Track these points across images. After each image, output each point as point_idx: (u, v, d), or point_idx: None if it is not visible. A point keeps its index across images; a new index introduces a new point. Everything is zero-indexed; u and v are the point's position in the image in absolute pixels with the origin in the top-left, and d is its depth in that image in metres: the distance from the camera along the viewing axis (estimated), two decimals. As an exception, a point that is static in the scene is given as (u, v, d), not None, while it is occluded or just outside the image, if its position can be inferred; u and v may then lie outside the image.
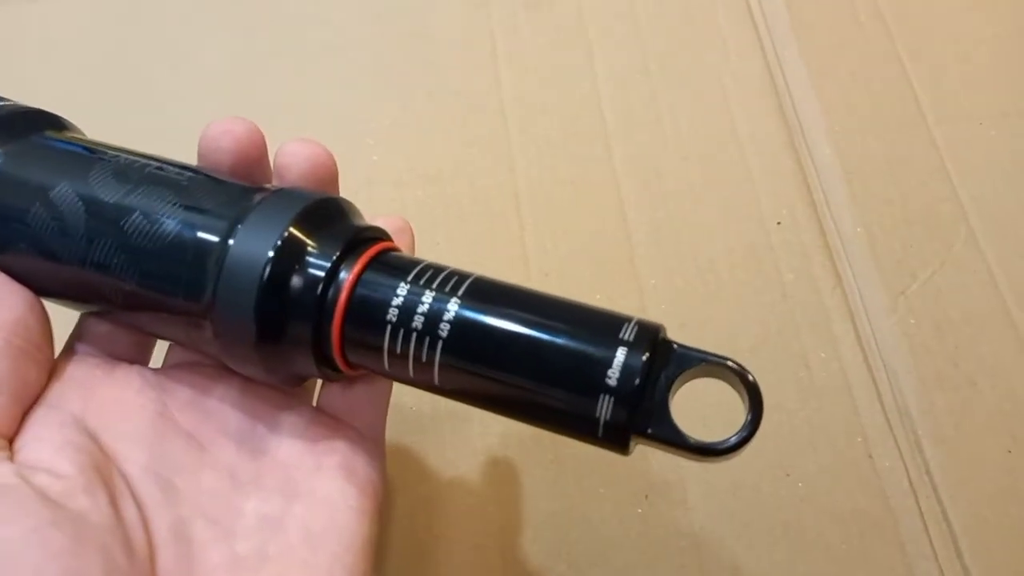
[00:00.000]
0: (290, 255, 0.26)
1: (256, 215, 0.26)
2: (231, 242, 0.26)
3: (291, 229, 0.26)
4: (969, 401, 0.41)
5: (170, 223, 0.27)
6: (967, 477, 0.40)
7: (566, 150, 0.48)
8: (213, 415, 0.30)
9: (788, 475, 0.40)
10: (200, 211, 0.27)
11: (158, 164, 0.29)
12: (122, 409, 0.29)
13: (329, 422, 0.31)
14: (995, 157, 0.47)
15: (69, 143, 0.30)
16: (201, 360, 0.32)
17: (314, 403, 0.33)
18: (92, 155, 0.29)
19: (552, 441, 0.41)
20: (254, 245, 0.26)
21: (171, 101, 0.51)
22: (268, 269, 0.26)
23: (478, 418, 0.41)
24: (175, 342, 0.32)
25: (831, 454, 0.41)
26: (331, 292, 0.26)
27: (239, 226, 0.26)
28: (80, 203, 0.27)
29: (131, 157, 0.29)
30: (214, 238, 0.26)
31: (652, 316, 0.44)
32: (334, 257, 0.26)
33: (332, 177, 0.31)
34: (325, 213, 0.28)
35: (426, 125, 0.49)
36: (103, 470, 0.26)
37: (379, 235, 0.29)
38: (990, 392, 0.41)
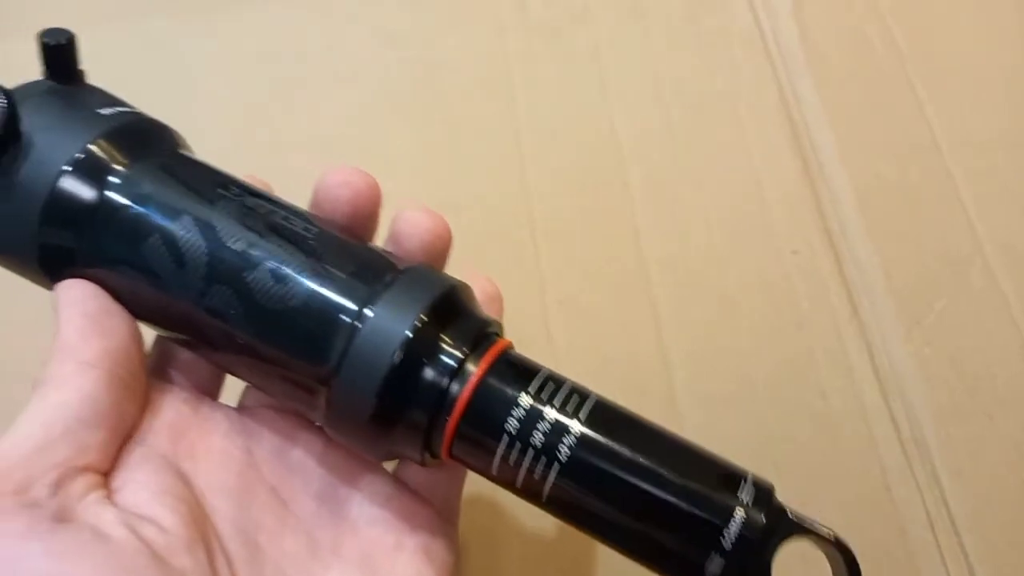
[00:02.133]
0: (421, 343, 0.26)
1: (391, 295, 0.26)
2: (364, 318, 0.26)
3: (424, 316, 0.26)
4: (986, 432, 0.41)
5: (299, 287, 0.26)
6: (984, 509, 0.40)
7: (581, 179, 0.48)
8: (296, 469, 0.30)
9: (804, 507, 0.40)
10: (331, 279, 0.27)
11: (283, 212, 0.28)
12: (211, 455, 0.28)
13: (410, 498, 0.30)
14: (1010, 186, 0.47)
15: (192, 168, 0.30)
16: (284, 404, 0.31)
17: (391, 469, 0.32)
18: (215, 188, 0.28)
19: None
20: (388, 326, 0.26)
21: (185, 132, 0.51)
22: (400, 353, 0.25)
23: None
24: (266, 391, 0.31)
25: (847, 486, 0.41)
26: (454, 387, 0.26)
27: (372, 304, 0.26)
28: (203, 244, 0.27)
29: (254, 198, 0.29)
30: (346, 312, 0.26)
31: (666, 344, 0.46)
32: (463, 352, 0.27)
33: (447, 249, 0.31)
34: (454, 302, 0.28)
35: (442, 153, 0.50)
36: (200, 525, 0.26)
37: (498, 329, 0.29)
38: (1006, 423, 0.41)
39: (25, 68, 0.30)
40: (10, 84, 0.28)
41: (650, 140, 0.49)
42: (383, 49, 0.53)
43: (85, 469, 0.25)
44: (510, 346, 0.28)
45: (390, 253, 0.29)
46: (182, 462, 0.27)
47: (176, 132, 0.31)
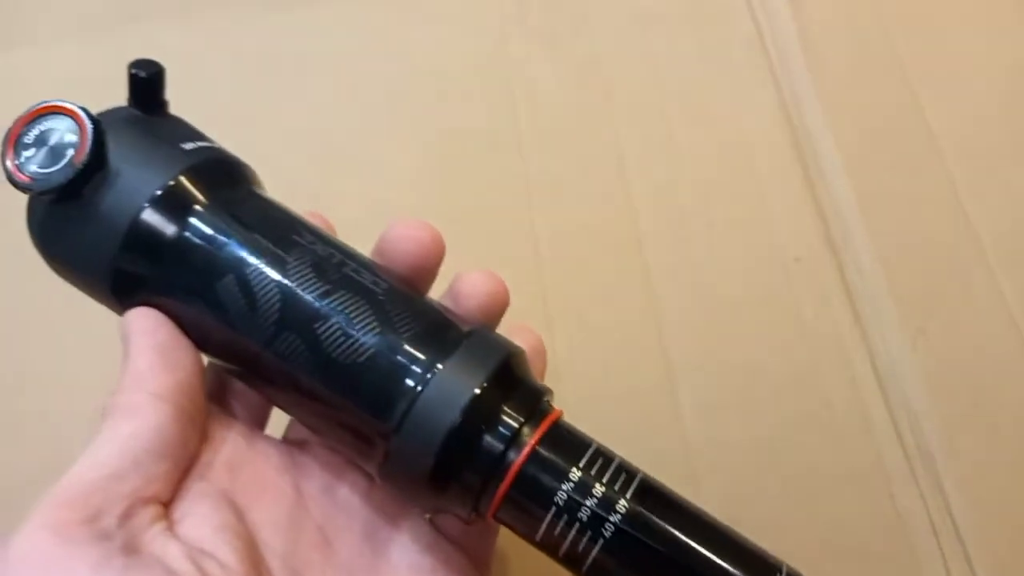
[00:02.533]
0: (481, 408, 0.27)
1: (455, 358, 0.27)
2: (428, 380, 0.27)
3: (485, 383, 0.27)
4: (990, 442, 0.41)
5: (367, 343, 0.27)
6: (989, 519, 0.40)
7: (584, 189, 0.48)
8: (342, 508, 0.30)
9: (809, 517, 0.40)
10: (399, 338, 0.27)
11: (353, 264, 0.29)
12: (264, 490, 0.29)
13: (449, 546, 0.31)
14: (1012, 193, 0.47)
15: (267, 209, 0.30)
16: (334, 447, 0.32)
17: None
18: (291, 233, 0.29)
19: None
20: (452, 389, 0.27)
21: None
22: (461, 417, 0.26)
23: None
24: (318, 434, 0.31)
25: (852, 495, 0.40)
26: (510, 454, 0.27)
27: (437, 366, 0.27)
28: (277, 291, 0.28)
29: (326, 246, 0.29)
30: (412, 373, 0.27)
31: (670, 356, 0.46)
32: (519, 420, 0.27)
33: (505, 309, 0.32)
34: (513, 369, 0.28)
35: (443, 164, 0.49)
36: (255, 561, 0.26)
37: (551, 397, 0.30)
38: (1011, 432, 0.41)
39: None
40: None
41: (652, 148, 0.49)
42: (384, 59, 0.53)
43: (150, 500, 0.25)
44: (561, 415, 0.29)
45: (452, 312, 0.30)
46: (238, 496, 0.28)
47: (251, 169, 0.32)
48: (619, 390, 0.43)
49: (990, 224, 0.46)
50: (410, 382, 0.27)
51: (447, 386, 0.27)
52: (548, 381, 0.42)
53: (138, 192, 0.28)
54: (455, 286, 0.31)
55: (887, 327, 0.44)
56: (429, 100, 0.51)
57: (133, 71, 0.29)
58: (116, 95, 0.30)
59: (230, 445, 0.29)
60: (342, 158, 0.50)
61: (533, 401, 0.28)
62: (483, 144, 0.50)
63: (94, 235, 0.28)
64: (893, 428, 0.42)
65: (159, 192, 0.28)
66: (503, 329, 0.31)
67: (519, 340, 0.30)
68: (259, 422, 0.32)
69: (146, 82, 0.29)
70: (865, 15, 0.52)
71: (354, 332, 0.27)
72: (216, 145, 0.31)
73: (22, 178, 0.27)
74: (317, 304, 0.27)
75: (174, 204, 0.28)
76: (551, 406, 0.29)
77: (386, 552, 0.30)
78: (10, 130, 0.28)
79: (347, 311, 0.28)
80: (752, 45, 0.52)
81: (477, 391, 0.26)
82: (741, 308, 0.45)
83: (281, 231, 0.29)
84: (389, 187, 0.49)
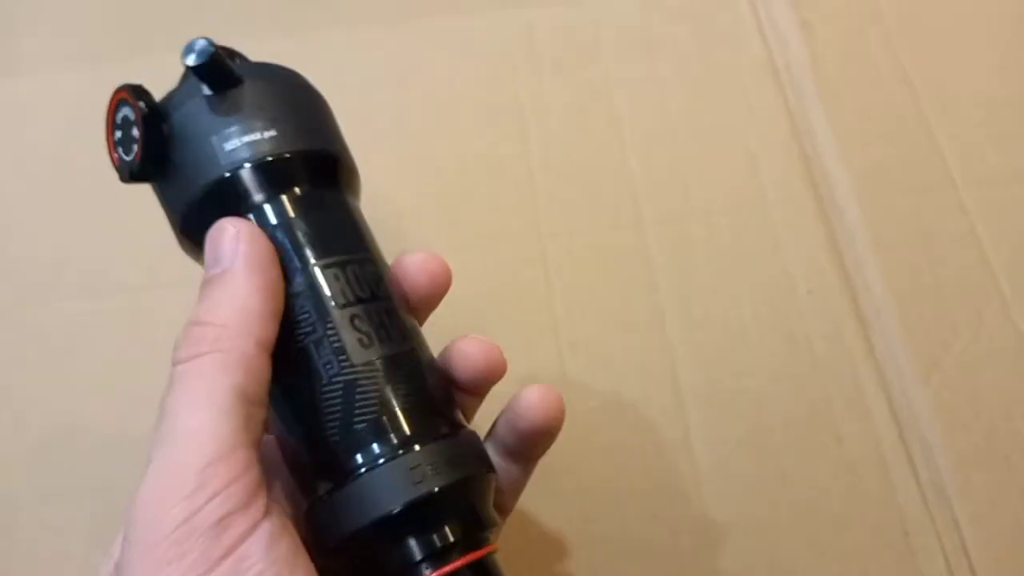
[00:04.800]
0: (421, 512, 0.27)
1: (430, 450, 0.27)
2: (397, 457, 0.27)
3: (438, 489, 0.27)
4: (1005, 477, 0.41)
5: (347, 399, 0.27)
6: (1004, 555, 0.39)
7: (594, 217, 0.48)
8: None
9: (822, 555, 0.40)
10: (385, 405, 0.28)
11: (357, 310, 0.29)
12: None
13: None
14: (1025, 222, 0.47)
15: (337, 220, 0.30)
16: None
17: None
18: (343, 263, 0.29)
19: None
20: (409, 478, 0.27)
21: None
22: (370, 526, 0.26)
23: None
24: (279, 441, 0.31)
25: (865, 532, 0.40)
26: (425, 568, 0.27)
27: (410, 448, 0.27)
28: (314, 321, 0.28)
29: (364, 304, 0.29)
30: (367, 449, 0.27)
31: (681, 386, 0.45)
32: (452, 538, 0.27)
33: (501, 374, 0.31)
34: (473, 489, 0.28)
35: (453, 190, 0.49)
36: None
37: (495, 535, 0.29)
38: (1026, 468, 0.41)
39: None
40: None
41: (662, 176, 0.49)
42: (395, 86, 0.53)
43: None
44: (495, 551, 0.29)
45: (456, 403, 0.30)
46: None
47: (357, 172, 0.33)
48: (629, 420, 0.43)
49: (1004, 255, 0.46)
50: (359, 459, 0.27)
51: (381, 483, 0.26)
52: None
53: (183, 195, 0.29)
54: (453, 346, 0.31)
55: (900, 360, 0.43)
56: (439, 126, 0.51)
57: (186, 63, 0.28)
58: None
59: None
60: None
61: (475, 527, 0.28)
62: (494, 171, 0.49)
63: (168, 214, 0.30)
64: (908, 463, 0.41)
65: (197, 198, 0.29)
66: (528, 378, 0.31)
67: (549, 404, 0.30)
68: None
69: (202, 69, 0.28)
70: (877, 42, 0.52)
71: (362, 385, 0.27)
72: (271, 135, 0.30)
73: (114, 160, 0.30)
74: (342, 362, 0.28)
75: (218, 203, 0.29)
76: (487, 539, 0.29)
77: None
78: (107, 114, 0.30)
79: (368, 375, 0.28)
80: (763, 72, 0.52)
81: (395, 510, 0.26)
82: (752, 339, 0.44)
83: (332, 255, 0.29)
84: (400, 214, 0.49)
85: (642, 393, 0.43)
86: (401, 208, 0.49)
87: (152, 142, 0.28)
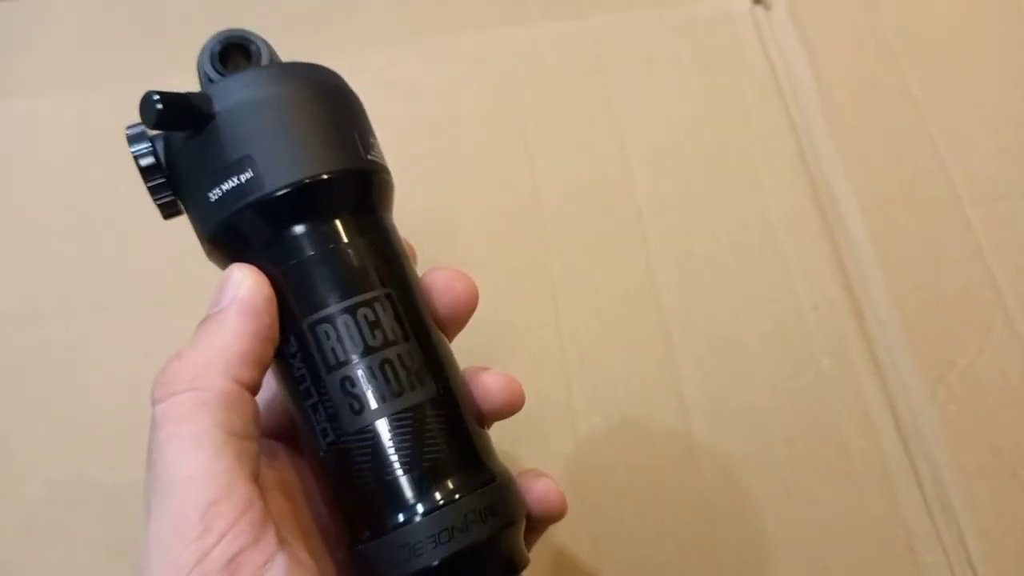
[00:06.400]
0: (468, 557, 0.26)
1: (470, 500, 0.26)
2: (437, 510, 0.26)
3: (483, 539, 0.26)
4: (1012, 492, 0.41)
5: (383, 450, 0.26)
6: (1010, 571, 0.39)
7: (599, 232, 0.48)
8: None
9: (827, 570, 0.40)
10: (419, 459, 0.26)
11: (393, 354, 0.27)
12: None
13: None
14: (1030, 238, 0.47)
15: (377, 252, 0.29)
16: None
17: None
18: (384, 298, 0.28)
19: None
20: (459, 527, 0.26)
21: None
22: (440, 560, 0.25)
23: None
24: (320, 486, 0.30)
25: (871, 548, 0.40)
26: None
27: (454, 497, 0.26)
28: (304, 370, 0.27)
29: (402, 345, 0.27)
30: (405, 503, 0.26)
31: (686, 403, 0.45)
32: None
33: (520, 403, 0.31)
34: (507, 540, 0.28)
35: (459, 208, 0.50)
36: None
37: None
38: (1033, 483, 0.41)
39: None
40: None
41: (666, 193, 0.49)
42: (399, 102, 0.53)
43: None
44: None
45: (491, 445, 0.29)
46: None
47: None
48: (635, 436, 0.43)
49: (1009, 271, 0.46)
50: (400, 515, 0.26)
51: (451, 522, 0.26)
52: (563, 429, 0.42)
53: (199, 234, 0.29)
54: (478, 379, 0.30)
55: (906, 376, 0.43)
56: (444, 142, 0.51)
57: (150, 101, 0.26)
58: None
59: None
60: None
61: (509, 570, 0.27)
62: (498, 187, 0.50)
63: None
64: (913, 478, 0.41)
65: (205, 242, 0.28)
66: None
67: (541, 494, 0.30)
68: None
69: (161, 123, 0.26)
70: (880, 59, 0.52)
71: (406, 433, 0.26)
72: (248, 177, 0.27)
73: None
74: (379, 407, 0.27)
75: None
76: None
77: None
78: None
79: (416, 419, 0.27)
80: (767, 90, 0.52)
81: (436, 562, 0.25)
82: (758, 356, 0.44)
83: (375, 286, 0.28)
84: (404, 230, 0.49)
85: (647, 409, 0.43)
86: (405, 224, 0.49)
87: (156, 191, 0.28)
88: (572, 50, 0.53)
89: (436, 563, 0.25)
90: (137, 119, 0.27)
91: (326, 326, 0.27)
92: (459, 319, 0.31)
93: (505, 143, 0.51)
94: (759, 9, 0.54)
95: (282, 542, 0.25)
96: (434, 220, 0.49)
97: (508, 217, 0.49)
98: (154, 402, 0.26)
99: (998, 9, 0.54)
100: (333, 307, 0.27)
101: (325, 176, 0.27)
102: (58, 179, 0.50)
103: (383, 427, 0.26)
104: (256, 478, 0.26)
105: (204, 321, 0.27)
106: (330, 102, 0.29)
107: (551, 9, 0.54)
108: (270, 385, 0.29)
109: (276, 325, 0.27)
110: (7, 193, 0.50)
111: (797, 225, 0.48)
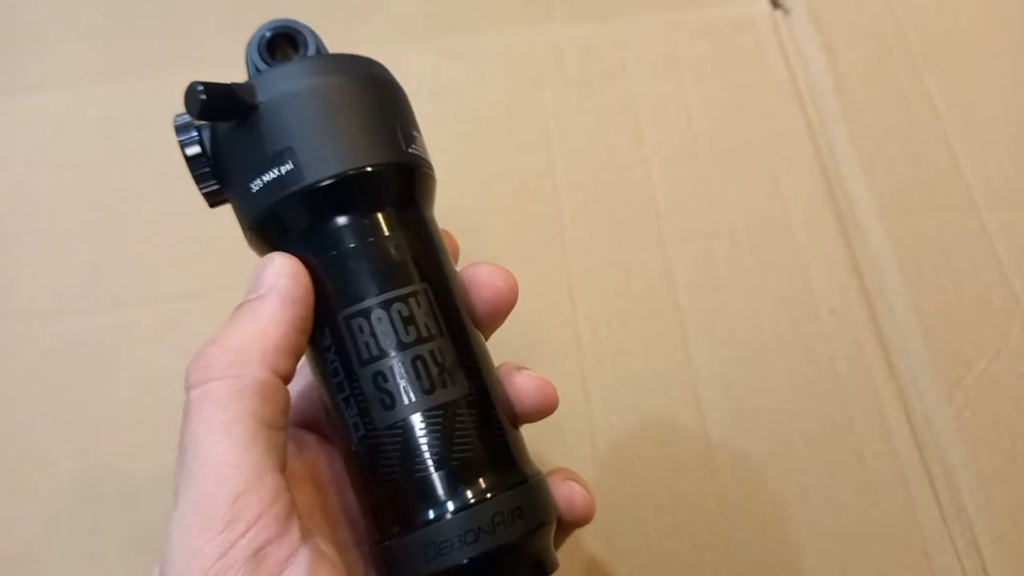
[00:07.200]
0: (498, 555, 0.26)
1: (505, 498, 0.26)
2: (469, 507, 0.26)
3: (516, 538, 0.26)
4: (1027, 497, 0.41)
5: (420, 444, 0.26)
6: (1025, 576, 0.39)
7: (618, 233, 0.48)
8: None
9: (844, 572, 0.40)
10: (450, 456, 0.26)
11: (435, 348, 0.27)
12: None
13: None
14: (1048, 243, 0.47)
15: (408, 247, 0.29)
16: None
17: None
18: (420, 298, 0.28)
19: None
20: (487, 527, 0.26)
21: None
22: (471, 557, 0.25)
23: None
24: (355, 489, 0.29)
25: (886, 551, 0.40)
26: None
27: (486, 497, 0.26)
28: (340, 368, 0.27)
29: (435, 341, 0.27)
30: (437, 500, 0.26)
31: (703, 405, 0.46)
32: None
33: (554, 407, 0.31)
34: (539, 539, 0.27)
35: (479, 207, 0.50)
36: None
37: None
38: (1048, 489, 0.41)
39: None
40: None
41: (685, 195, 0.49)
42: (421, 102, 0.53)
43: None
44: None
45: (523, 446, 0.29)
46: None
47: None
48: (652, 436, 0.43)
49: (1026, 276, 0.46)
50: (430, 512, 0.26)
51: (481, 521, 0.26)
52: (581, 429, 0.43)
53: (242, 222, 0.29)
54: (513, 383, 0.30)
55: (923, 380, 0.44)
56: (465, 143, 0.52)
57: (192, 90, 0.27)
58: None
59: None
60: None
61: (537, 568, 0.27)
62: (519, 187, 0.50)
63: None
64: (928, 482, 0.42)
65: (247, 230, 0.29)
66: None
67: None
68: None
69: (205, 113, 0.27)
70: (900, 64, 0.53)
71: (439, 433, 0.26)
72: (288, 169, 0.27)
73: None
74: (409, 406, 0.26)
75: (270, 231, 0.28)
76: None
77: None
78: None
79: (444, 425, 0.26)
80: (786, 93, 0.52)
81: (464, 560, 0.25)
82: (774, 358, 0.45)
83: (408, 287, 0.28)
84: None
85: (665, 409, 0.44)
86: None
87: (201, 180, 0.28)
88: (594, 52, 0.54)
89: (464, 562, 0.25)
90: (168, 112, 0.28)
91: (360, 320, 0.27)
92: (498, 315, 0.31)
93: (526, 143, 0.51)
94: (779, 13, 0.54)
95: (306, 535, 0.25)
96: (454, 219, 0.49)
97: (528, 217, 0.49)
98: (188, 387, 0.26)
99: (1018, 14, 0.54)
100: (367, 301, 0.27)
101: (362, 170, 0.27)
102: (81, 174, 0.51)
103: (414, 424, 0.26)
104: (283, 469, 0.26)
105: (241, 307, 0.27)
106: (372, 95, 0.29)
107: (574, 11, 0.55)
108: (303, 374, 0.29)
109: (311, 316, 0.27)
110: (31, 188, 0.51)
111: (815, 228, 0.48)
